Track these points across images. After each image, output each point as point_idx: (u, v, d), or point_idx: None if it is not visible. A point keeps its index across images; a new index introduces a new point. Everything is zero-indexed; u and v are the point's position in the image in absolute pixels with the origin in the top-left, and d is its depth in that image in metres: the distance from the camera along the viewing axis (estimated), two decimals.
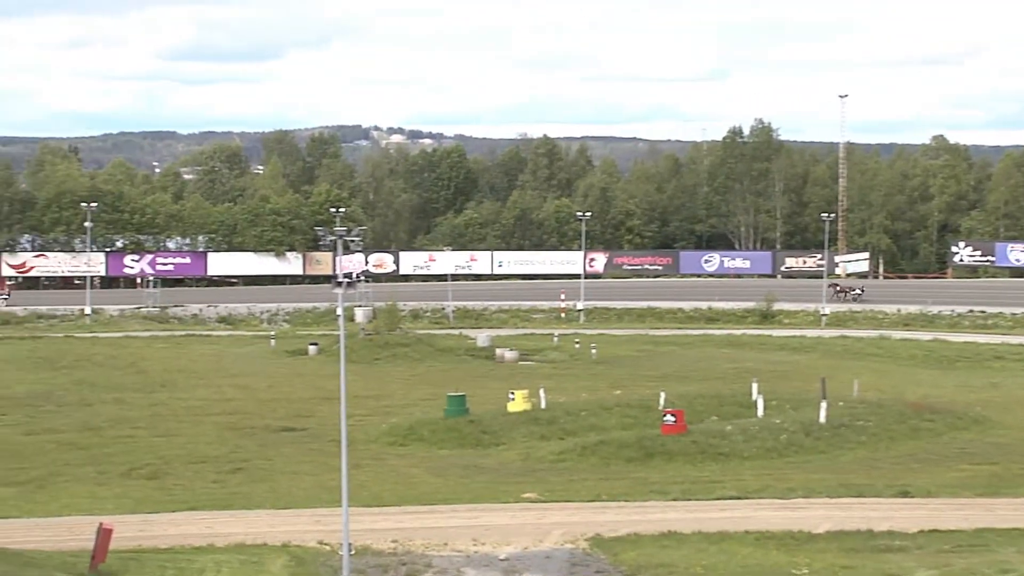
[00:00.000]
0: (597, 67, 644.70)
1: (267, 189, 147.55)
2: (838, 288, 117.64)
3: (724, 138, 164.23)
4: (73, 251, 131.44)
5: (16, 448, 53.99)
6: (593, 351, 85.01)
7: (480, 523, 41.30)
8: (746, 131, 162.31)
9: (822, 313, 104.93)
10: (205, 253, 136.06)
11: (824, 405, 55.63)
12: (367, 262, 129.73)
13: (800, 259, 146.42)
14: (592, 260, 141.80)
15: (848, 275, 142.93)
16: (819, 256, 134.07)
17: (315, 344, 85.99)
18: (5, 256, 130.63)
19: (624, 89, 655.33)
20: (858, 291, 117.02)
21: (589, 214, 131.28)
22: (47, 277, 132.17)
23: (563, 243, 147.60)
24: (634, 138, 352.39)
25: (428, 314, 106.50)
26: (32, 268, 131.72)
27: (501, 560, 37.48)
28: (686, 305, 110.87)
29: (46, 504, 44.04)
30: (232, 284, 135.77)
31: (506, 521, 41.64)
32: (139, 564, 35.86)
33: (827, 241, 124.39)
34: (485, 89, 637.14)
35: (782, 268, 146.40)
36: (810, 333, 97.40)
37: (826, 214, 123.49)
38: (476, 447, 55.13)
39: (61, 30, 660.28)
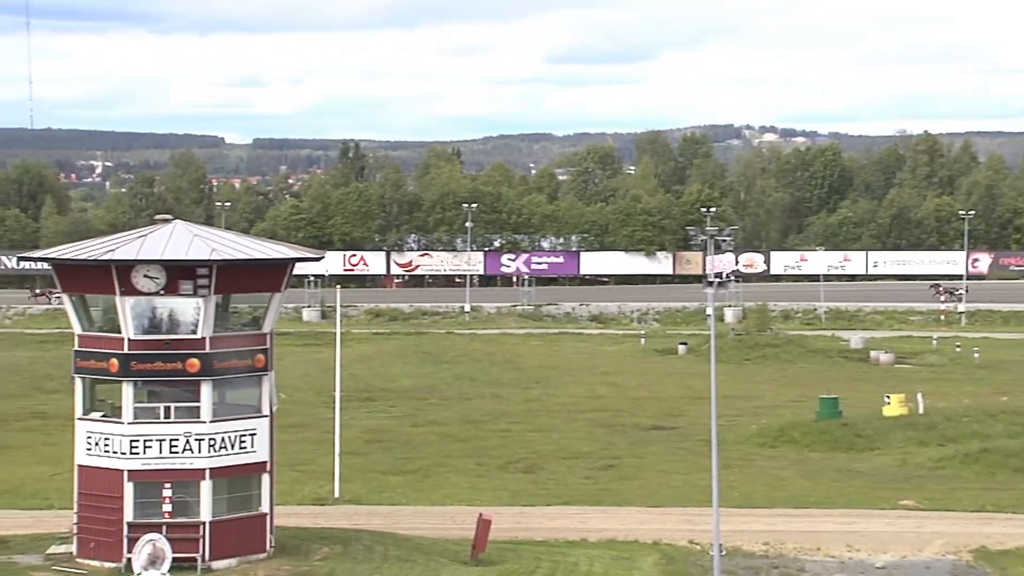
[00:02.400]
0: (984, 59, 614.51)
1: (638, 189, 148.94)
2: (940, 288, 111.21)
3: None
4: (455, 250, 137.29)
5: (405, 438, 57.08)
6: (976, 355, 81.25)
7: (854, 529, 40.34)
8: None
9: None
10: (578, 252, 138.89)
11: None
12: (737, 262, 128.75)
13: None
14: (975, 260, 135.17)
15: None
16: None
17: (684, 343, 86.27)
18: (393, 255, 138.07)
19: (1015, 81, 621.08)
20: (961, 291, 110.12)
21: (972, 213, 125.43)
22: (430, 275, 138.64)
23: (943, 243, 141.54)
24: None
25: (799, 315, 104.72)
26: (417, 267, 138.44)
27: (877, 568, 36.52)
28: None
29: (430, 493, 46.33)
30: (603, 283, 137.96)
31: (882, 528, 40.50)
32: (516, 555, 37.09)
33: None
34: (862, 86, 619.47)
35: None
36: None
37: None
38: (849, 451, 53.97)
39: (450, 38, 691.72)
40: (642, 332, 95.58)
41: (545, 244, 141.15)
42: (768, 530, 40.22)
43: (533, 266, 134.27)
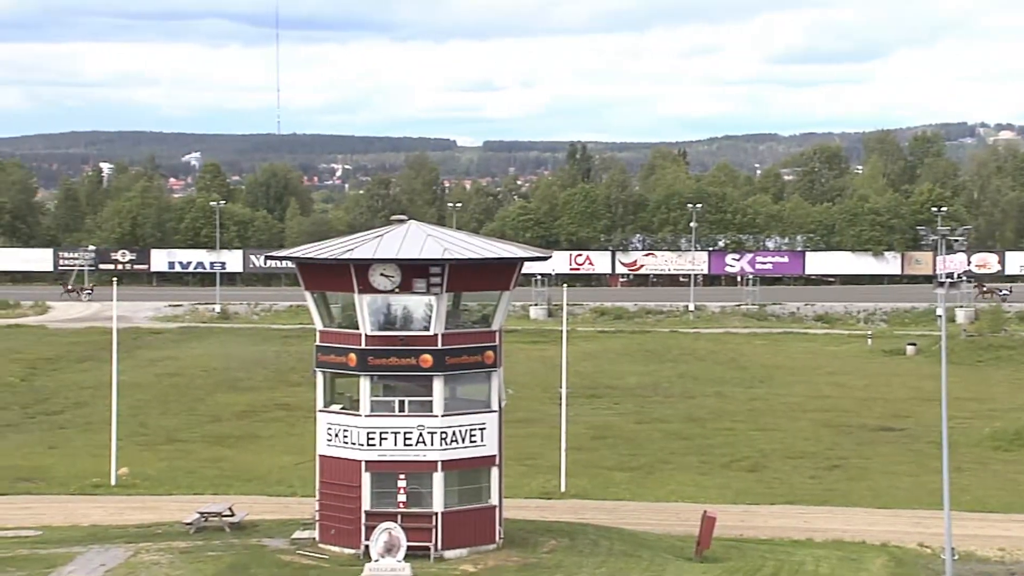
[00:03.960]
0: None
1: (866, 189, 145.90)
2: (984, 288, 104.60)
3: None
4: (679, 250, 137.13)
5: (629, 435, 57.70)
6: None
7: None
8: None
9: None
10: (803, 252, 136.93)
11: None
12: (969, 262, 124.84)
13: None
14: None
15: None
16: None
17: (913, 344, 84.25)
18: (619, 255, 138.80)
19: None
20: (1005, 291, 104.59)
21: None
22: (655, 274, 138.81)
23: None
24: None
25: None
26: (642, 266, 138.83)
27: None
28: None
29: (654, 489, 46.82)
30: (829, 283, 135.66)
31: None
32: (740, 553, 37.26)
33: None
34: None
35: None
36: None
37: None
38: None
39: (677, 40, 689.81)
40: (869, 332, 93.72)
41: (770, 244, 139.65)
42: (1004, 535, 39.32)
43: (757, 266, 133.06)
